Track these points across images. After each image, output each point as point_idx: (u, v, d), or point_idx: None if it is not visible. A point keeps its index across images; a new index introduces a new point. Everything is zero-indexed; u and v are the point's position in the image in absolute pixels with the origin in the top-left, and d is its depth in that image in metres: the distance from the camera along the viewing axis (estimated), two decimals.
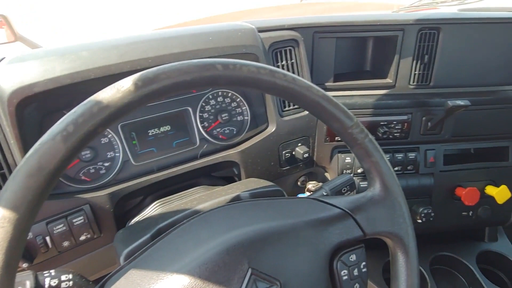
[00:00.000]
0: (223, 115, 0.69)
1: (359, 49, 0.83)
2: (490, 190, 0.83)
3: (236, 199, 0.51)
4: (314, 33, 0.71)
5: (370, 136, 0.41)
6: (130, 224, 0.57)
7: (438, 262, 0.89)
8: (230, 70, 0.33)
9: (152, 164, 0.62)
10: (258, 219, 0.41)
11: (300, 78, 0.37)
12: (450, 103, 0.69)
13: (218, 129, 0.69)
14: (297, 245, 0.39)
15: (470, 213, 0.86)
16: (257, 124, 0.72)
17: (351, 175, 0.57)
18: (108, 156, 0.59)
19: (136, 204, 0.64)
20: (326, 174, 0.80)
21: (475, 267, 0.86)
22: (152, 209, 0.58)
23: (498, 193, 0.81)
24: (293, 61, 0.68)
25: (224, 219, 0.41)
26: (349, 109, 0.73)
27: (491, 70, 0.80)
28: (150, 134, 0.62)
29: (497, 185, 0.83)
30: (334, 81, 0.77)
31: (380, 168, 0.42)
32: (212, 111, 0.68)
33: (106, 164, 0.59)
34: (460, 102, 0.69)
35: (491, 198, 0.83)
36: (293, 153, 0.72)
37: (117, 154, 0.60)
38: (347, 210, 0.43)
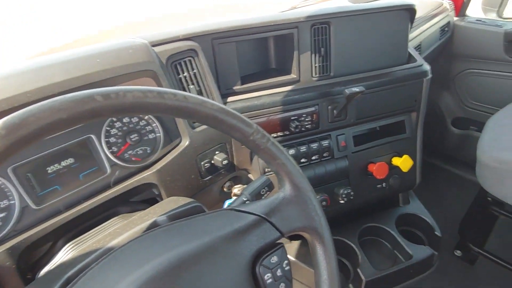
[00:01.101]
0: (132, 136, 0.65)
1: (262, 49, 0.85)
2: (396, 161, 0.93)
3: (153, 225, 0.49)
4: (213, 40, 0.71)
5: (272, 139, 0.42)
6: (39, 276, 0.52)
7: (365, 234, 0.97)
8: (113, 99, 0.31)
9: (58, 204, 0.57)
10: (172, 245, 0.39)
11: (192, 95, 0.37)
12: (347, 91, 0.75)
13: (130, 152, 0.66)
14: (215, 263, 0.39)
15: (383, 184, 0.95)
16: (171, 139, 0.70)
17: (267, 176, 0.59)
18: (2, 206, 0.52)
19: (47, 251, 0.58)
20: (250, 176, 0.82)
21: (395, 231, 0.96)
22: (64, 254, 0.53)
23: (402, 162, 0.91)
24: (195, 71, 0.67)
25: (136, 254, 0.39)
26: (259, 109, 0.76)
27: (381, 55, 0.88)
28: (50, 171, 0.57)
29: (400, 155, 0.94)
30: (242, 84, 0.78)
31: (287, 169, 0.44)
32: (120, 134, 0.64)
33: (1, 216, 0.52)
34: (356, 89, 0.76)
35: (398, 168, 0.93)
36: (212, 162, 0.72)
37: (12, 202, 0.53)
38: (262, 215, 0.44)
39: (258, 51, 0.84)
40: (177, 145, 0.68)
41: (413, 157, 0.95)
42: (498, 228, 1.45)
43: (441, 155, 1.74)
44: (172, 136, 0.70)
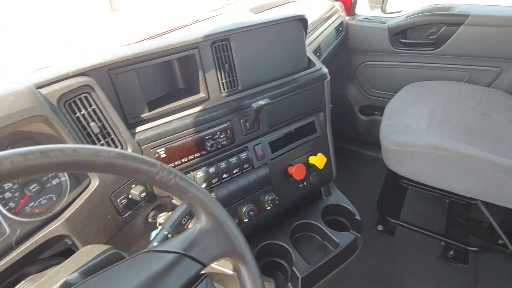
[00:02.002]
0: (31, 187, 0.59)
1: (166, 71, 0.83)
2: (312, 159, 1.00)
3: (65, 287, 0.46)
4: (109, 71, 0.67)
5: (179, 174, 0.42)
6: None
7: (296, 232, 1.03)
8: None
9: None
10: None
11: (83, 146, 0.34)
12: (254, 105, 0.79)
13: (31, 204, 0.60)
14: None
15: (304, 183, 1.01)
16: (79, 181, 0.65)
17: (184, 204, 0.59)
18: None
19: None
20: (174, 201, 0.80)
21: (321, 223, 1.04)
22: None
23: (317, 160, 0.99)
24: (93, 107, 0.63)
25: None
26: (172, 135, 0.75)
27: (282, 64, 0.94)
28: None
29: (315, 154, 1.01)
30: (150, 110, 0.76)
31: (199, 200, 0.44)
32: (16, 186, 0.58)
33: None
34: (262, 102, 0.79)
35: (315, 165, 1.00)
36: (130, 196, 0.69)
37: None
38: (180, 251, 0.44)
39: (162, 74, 0.83)
40: (87, 187, 0.64)
41: (326, 154, 1.03)
42: (409, 199, 1.65)
43: (354, 140, 1.92)
44: (79, 178, 0.65)
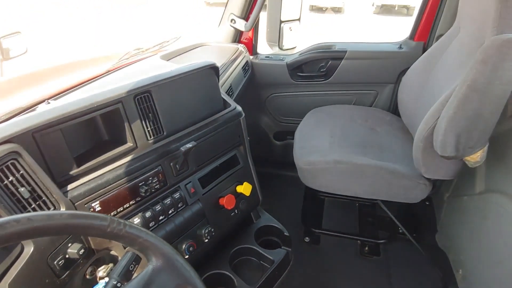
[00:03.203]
0: None
1: (92, 125, 0.85)
2: (239, 188, 1.11)
3: None
4: (33, 134, 0.68)
5: (128, 222, 0.47)
6: None
7: (234, 257, 1.11)
8: None
9: None
10: None
11: (36, 213, 0.38)
12: (182, 148, 0.87)
13: None
14: None
15: (236, 211, 1.11)
16: (9, 250, 0.63)
17: (130, 251, 0.62)
18: None
19: None
20: (113, 252, 0.81)
21: (255, 244, 1.14)
22: None
23: (244, 188, 1.10)
24: (21, 172, 0.63)
25: None
26: (105, 187, 0.77)
27: (202, 108, 1.04)
28: None
29: (242, 183, 1.12)
30: (79, 166, 0.77)
31: (150, 243, 0.50)
32: None
33: None
34: (189, 145, 0.88)
35: (243, 193, 1.10)
36: (67, 256, 0.69)
37: None
38: None
39: (88, 128, 0.85)
40: (19, 254, 0.62)
41: (251, 181, 1.15)
42: (327, 209, 1.87)
43: (273, 164, 2.11)
44: (9, 246, 0.63)
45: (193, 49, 1.61)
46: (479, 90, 0.98)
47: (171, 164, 0.91)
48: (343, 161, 1.31)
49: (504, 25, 0.95)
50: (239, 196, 1.11)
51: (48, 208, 0.67)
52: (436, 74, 1.34)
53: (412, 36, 1.73)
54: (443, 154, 1.10)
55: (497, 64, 0.94)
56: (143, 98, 0.87)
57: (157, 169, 0.88)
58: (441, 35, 1.48)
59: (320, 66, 1.84)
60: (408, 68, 1.55)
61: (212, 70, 1.07)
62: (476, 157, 1.12)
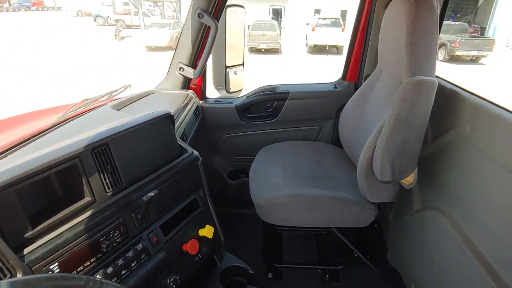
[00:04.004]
0: None
1: (48, 182, 0.83)
2: (201, 232, 1.12)
3: None
4: None
5: (104, 280, 0.48)
6: None
7: None
8: None
9: None
10: None
11: (15, 279, 0.38)
12: (145, 198, 0.88)
13: None
14: None
15: (200, 255, 1.11)
16: None
17: None
18: None
19: None
20: None
21: (220, 286, 1.13)
22: None
23: (206, 231, 1.11)
24: None
25: None
26: (64, 246, 0.75)
27: (160, 155, 1.06)
28: None
29: (204, 226, 1.13)
30: (34, 227, 0.74)
31: None
32: None
33: None
34: (151, 194, 0.89)
35: (205, 236, 1.11)
36: None
37: None
38: None
39: (42, 186, 0.82)
40: None
41: (212, 224, 1.17)
42: (286, 242, 1.92)
43: (230, 203, 2.13)
44: None
45: (143, 97, 1.64)
46: (403, 122, 1.15)
47: (132, 214, 0.91)
48: (297, 194, 1.39)
49: (415, 68, 1.15)
50: (202, 239, 1.12)
51: (5, 276, 0.63)
52: (368, 110, 1.53)
53: (344, 77, 1.96)
54: (383, 179, 1.24)
55: (414, 100, 1.13)
56: (101, 151, 0.88)
57: (118, 222, 0.87)
58: (368, 76, 1.70)
59: (266, 106, 1.97)
60: (345, 104, 1.74)
61: (168, 119, 1.11)
62: (409, 180, 1.28)
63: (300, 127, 2.01)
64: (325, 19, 15.17)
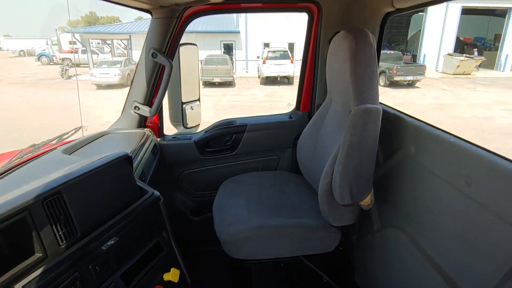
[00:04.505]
0: None
1: None
2: (167, 276, 1.06)
3: None
4: None
5: None
6: None
7: None
8: None
9: None
10: None
11: None
12: (104, 247, 0.82)
13: None
14: None
15: None
16: None
17: None
18: None
19: None
20: None
21: None
22: None
23: (172, 275, 1.06)
24: None
25: None
26: None
27: (119, 199, 1.01)
28: None
29: (168, 270, 1.08)
30: None
31: None
32: None
33: None
34: (111, 242, 0.84)
35: (171, 281, 1.06)
36: None
37: None
38: None
39: None
40: None
41: (177, 266, 1.12)
42: (255, 276, 1.88)
43: (195, 242, 2.06)
44: None
45: (97, 139, 1.58)
46: (356, 148, 1.23)
47: (90, 267, 0.84)
48: (263, 226, 1.39)
49: (361, 97, 1.25)
50: (168, 284, 1.06)
51: None
52: (322, 137, 1.61)
53: (298, 107, 2.05)
54: (343, 203, 1.29)
55: (363, 127, 1.21)
56: (53, 201, 0.82)
57: (73, 277, 0.80)
58: (320, 105, 1.80)
59: (225, 140, 1.99)
60: (301, 133, 1.81)
61: (126, 161, 1.07)
62: (367, 201, 1.35)
63: (260, 157, 2.04)
64: (274, 52, 15.96)
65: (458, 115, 9.36)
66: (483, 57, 18.34)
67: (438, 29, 19.95)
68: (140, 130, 1.73)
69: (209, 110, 9.63)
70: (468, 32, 23.41)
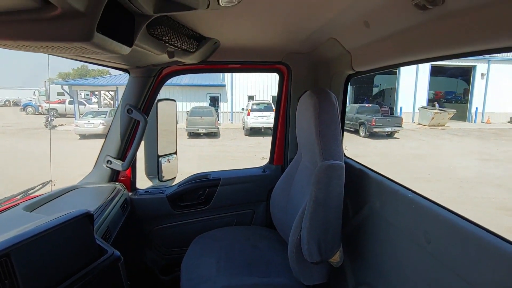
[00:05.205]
0: None
1: None
2: None
3: None
4: None
5: None
6: None
7: None
8: None
9: None
10: None
11: None
12: None
13: None
14: None
15: None
16: None
17: None
18: None
19: None
20: None
21: None
22: None
23: None
24: None
25: None
26: None
27: (74, 260, 0.97)
28: None
29: None
30: None
31: None
32: None
33: None
34: None
35: None
36: None
37: None
38: None
39: None
40: None
41: None
42: None
43: None
44: None
45: (64, 193, 1.55)
46: (321, 203, 1.24)
47: None
48: (231, 286, 1.33)
49: (326, 154, 1.30)
50: None
51: None
52: (294, 191, 1.63)
53: (271, 161, 2.09)
54: (312, 260, 1.27)
55: (327, 183, 1.24)
56: (2, 263, 0.78)
57: None
58: (292, 159, 1.85)
59: (199, 194, 1.98)
60: (274, 187, 1.83)
61: (86, 219, 1.05)
62: (336, 258, 1.33)
63: (234, 212, 2.03)
64: (258, 104, 16.53)
65: (436, 165, 9.64)
66: (454, 110, 19.48)
67: (411, 84, 21.34)
68: (111, 185, 1.71)
69: (191, 161, 9.62)
70: (440, 86, 25.17)
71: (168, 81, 1.95)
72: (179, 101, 19.23)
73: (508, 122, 20.08)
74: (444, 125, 19.10)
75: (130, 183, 1.87)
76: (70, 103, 21.94)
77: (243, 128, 17.17)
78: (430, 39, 0.93)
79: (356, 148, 12.40)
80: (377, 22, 1.09)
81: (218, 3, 0.85)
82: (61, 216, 0.99)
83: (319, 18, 1.21)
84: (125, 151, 1.79)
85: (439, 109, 19.28)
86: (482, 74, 20.81)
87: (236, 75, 20.21)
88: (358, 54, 1.46)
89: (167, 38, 1.19)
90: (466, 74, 22.05)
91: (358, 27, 1.19)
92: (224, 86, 20.74)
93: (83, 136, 14.27)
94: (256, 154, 11.05)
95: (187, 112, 16.43)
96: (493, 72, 20.54)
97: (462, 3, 0.77)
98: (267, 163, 2.13)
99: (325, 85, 1.85)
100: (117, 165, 1.74)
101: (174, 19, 1.19)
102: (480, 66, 20.60)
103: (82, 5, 0.62)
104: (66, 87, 20.37)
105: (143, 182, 2.04)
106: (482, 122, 21.06)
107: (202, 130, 15.00)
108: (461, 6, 0.78)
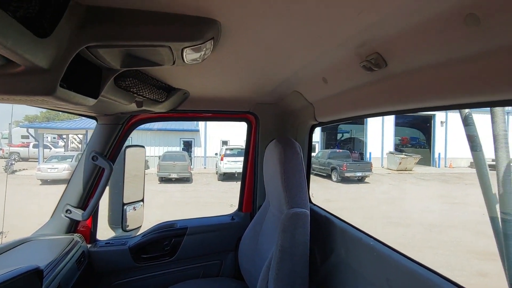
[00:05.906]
0: None
1: None
2: None
3: None
4: None
5: None
6: None
7: None
8: None
9: None
10: None
11: None
12: None
13: None
14: None
15: None
16: None
17: None
18: None
19: None
20: None
21: None
22: None
23: None
24: None
25: None
26: None
27: None
28: None
29: None
30: None
31: None
32: None
33: None
34: None
35: None
36: None
37: None
38: None
39: None
40: None
41: None
42: None
43: None
44: None
45: (14, 247, 1.43)
46: (287, 252, 1.23)
47: None
48: None
49: (291, 202, 1.31)
50: None
51: None
52: (262, 239, 1.61)
53: (240, 208, 2.08)
54: None
55: (293, 231, 1.24)
56: None
57: None
58: (260, 206, 1.84)
59: (164, 244, 1.90)
60: (243, 235, 1.79)
61: (35, 275, 0.97)
62: None
63: (201, 263, 1.94)
64: (232, 149, 16.61)
65: (406, 209, 9.88)
66: (419, 156, 20.51)
67: (378, 131, 22.49)
68: (67, 236, 1.61)
69: (160, 208, 9.27)
70: (405, 132, 26.75)
71: (141, 126, 1.95)
72: (151, 146, 18.98)
73: (468, 167, 21.30)
74: (411, 170, 19.92)
75: (90, 234, 1.77)
76: (35, 146, 21.03)
77: (217, 173, 17.02)
78: (378, 97, 1.02)
79: (329, 192, 12.55)
80: (333, 79, 1.19)
81: (183, 60, 0.90)
82: (8, 272, 0.92)
83: (284, 72, 1.29)
84: (87, 199, 1.72)
85: (405, 155, 20.24)
86: (441, 122, 22.40)
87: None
88: (319, 106, 1.56)
89: (135, 89, 1.22)
90: (427, 122, 23.59)
91: (317, 82, 1.29)
92: (198, 131, 20.85)
93: (45, 182, 13.52)
94: (229, 200, 10.87)
95: (159, 157, 16.17)
96: (451, 120, 22.18)
97: (402, 66, 0.87)
98: (236, 210, 2.11)
99: (292, 134, 1.93)
100: (77, 214, 1.65)
101: (143, 72, 1.22)
102: (439, 114, 22.23)
103: (46, 63, 0.64)
104: (32, 130, 19.64)
105: (106, 232, 1.94)
106: (445, 166, 22.21)
107: (174, 175, 14.69)
108: (401, 69, 0.88)
